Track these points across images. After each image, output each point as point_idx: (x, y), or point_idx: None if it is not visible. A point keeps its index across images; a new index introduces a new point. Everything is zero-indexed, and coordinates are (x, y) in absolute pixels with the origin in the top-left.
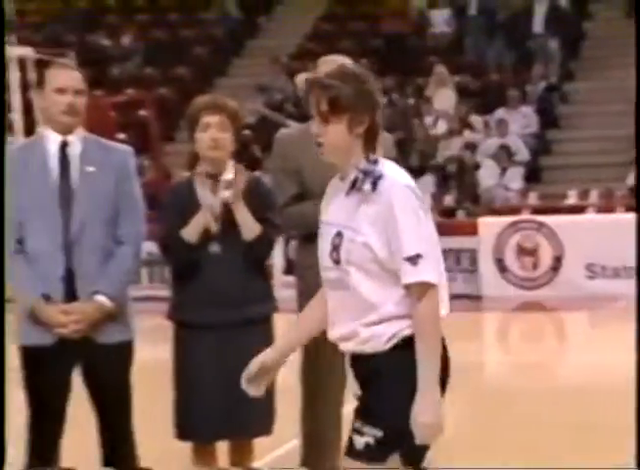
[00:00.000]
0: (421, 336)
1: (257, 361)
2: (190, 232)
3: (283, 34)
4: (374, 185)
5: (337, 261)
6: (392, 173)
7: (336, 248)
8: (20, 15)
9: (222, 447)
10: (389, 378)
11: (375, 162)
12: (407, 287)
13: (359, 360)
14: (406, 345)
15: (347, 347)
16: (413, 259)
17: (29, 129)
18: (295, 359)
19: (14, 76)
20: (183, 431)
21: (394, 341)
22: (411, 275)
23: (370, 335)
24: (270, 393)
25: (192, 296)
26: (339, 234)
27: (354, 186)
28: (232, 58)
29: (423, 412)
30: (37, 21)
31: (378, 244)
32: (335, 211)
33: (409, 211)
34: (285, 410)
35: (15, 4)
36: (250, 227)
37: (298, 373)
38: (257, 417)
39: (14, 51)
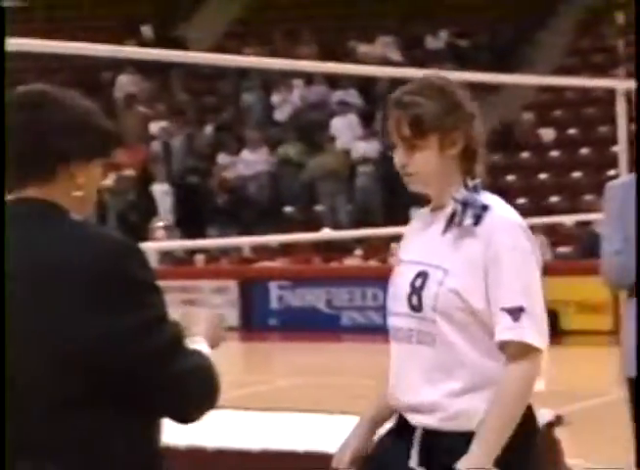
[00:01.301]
0: (500, 404)
1: (346, 453)
2: None
3: None
4: (477, 218)
5: (416, 308)
6: (498, 206)
7: (416, 291)
8: None
9: None
10: None
11: (475, 188)
12: (501, 345)
13: (438, 437)
14: None
15: (425, 421)
16: (514, 313)
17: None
18: None
19: (620, 109)
20: None
21: None
22: (509, 331)
23: (461, 409)
24: None
25: None
26: (421, 274)
27: (452, 221)
28: None
29: None
30: None
31: (473, 291)
32: (419, 247)
33: (517, 255)
34: None
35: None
36: None
37: None
38: None
39: (621, 85)
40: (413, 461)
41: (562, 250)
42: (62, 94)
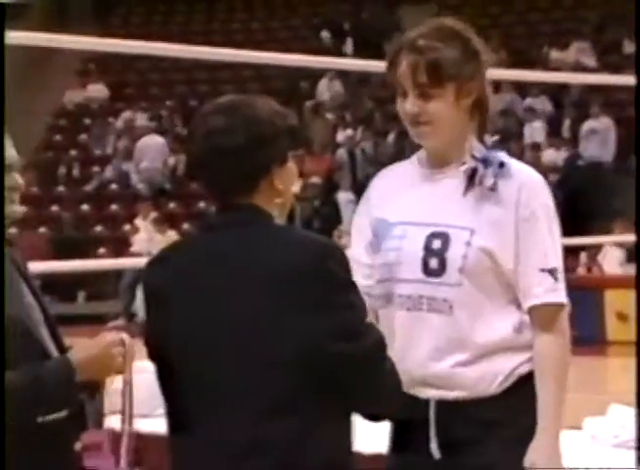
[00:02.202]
0: (552, 369)
1: None
2: None
3: None
4: (499, 176)
5: (435, 272)
6: (518, 164)
7: (435, 253)
8: None
9: None
10: (503, 437)
11: (494, 145)
12: (534, 308)
13: (455, 409)
14: (522, 385)
15: (439, 394)
16: (554, 273)
17: None
18: None
19: None
20: None
21: (511, 380)
22: (553, 293)
23: (480, 375)
24: None
25: None
26: (439, 235)
27: (473, 180)
28: None
29: (538, 456)
30: None
31: (504, 250)
32: (424, 207)
33: (551, 214)
34: None
35: None
36: None
37: None
38: None
39: None
40: (433, 444)
41: None
42: (251, 103)
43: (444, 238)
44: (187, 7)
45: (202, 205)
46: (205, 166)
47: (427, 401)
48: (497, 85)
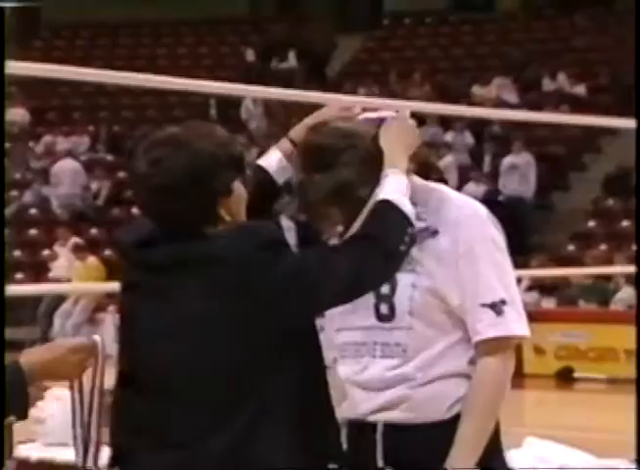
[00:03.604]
0: (478, 402)
1: None
2: None
3: None
4: (432, 233)
5: (386, 317)
6: (454, 198)
7: (385, 298)
8: None
9: None
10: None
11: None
12: (477, 344)
13: (403, 432)
14: None
15: (387, 416)
16: (496, 307)
17: None
18: None
19: None
20: None
21: (459, 407)
22: (494, 328)
23: (429, 396)
24: None
25: None
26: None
27: None
28: None
29: None
30: None
31: (449, 288)
32: None
33: (489, 246)
34: None
35: None
36: None
37: None
38: None
39: None
40: (380, 462)
41: None
42: (190, 139)
43: (392, 282)
44: (111, 31)
45: None
46: (149, 205)
47: (374, 425)
48: (421, 119)
